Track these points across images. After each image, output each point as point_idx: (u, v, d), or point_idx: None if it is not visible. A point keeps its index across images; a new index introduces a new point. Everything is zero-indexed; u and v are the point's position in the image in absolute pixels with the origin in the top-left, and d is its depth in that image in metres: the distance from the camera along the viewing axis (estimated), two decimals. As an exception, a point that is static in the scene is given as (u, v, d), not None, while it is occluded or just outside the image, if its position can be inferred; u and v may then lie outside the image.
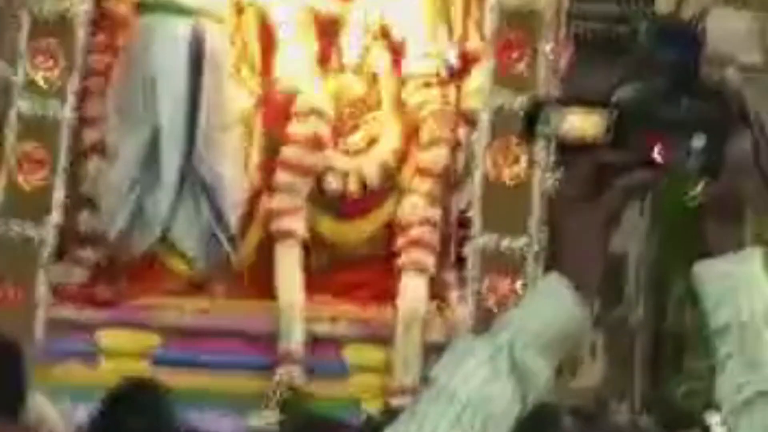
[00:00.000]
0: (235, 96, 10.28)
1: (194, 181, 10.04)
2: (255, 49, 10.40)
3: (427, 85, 10.26)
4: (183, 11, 10.07)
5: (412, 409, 2.22)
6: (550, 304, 2.23)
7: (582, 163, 2.18)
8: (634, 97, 2.23)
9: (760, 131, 2.23)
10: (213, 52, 10.08)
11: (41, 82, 9.69)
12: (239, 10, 10.37)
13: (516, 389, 2.25)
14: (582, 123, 2.21)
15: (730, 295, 2.29)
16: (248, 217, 10.25)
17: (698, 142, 2.21)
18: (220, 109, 10.18)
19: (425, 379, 2.26)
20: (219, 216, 10.10)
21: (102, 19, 10.14)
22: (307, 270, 10.08)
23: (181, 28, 10.06)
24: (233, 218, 10.14)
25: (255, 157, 10.33)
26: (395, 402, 8.57)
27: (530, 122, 2.18)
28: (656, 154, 2.20)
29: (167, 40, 10.04)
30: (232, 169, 10.24)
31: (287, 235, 10.15)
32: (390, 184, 10.26)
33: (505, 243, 9.55)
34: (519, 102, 9.27)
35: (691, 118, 2.22)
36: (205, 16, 10.11)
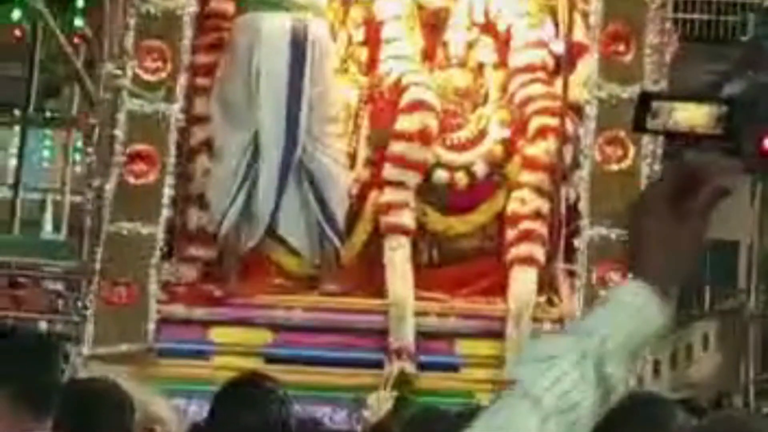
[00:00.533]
0: (341, 90, 10.34)
1: (300, 174, 10.09)
2: (361, 44, 10.45)
3: (534, 77, 10.27)
4: (284, 6, 10.10)
5: (496, 409, 2.23)
6: (636, 315, 2.25)
7: (682, 161, 2.21)
8: (743, 90, 2.25)
9: None
10: (314, 45, 10.09)
11: (150, 82, 9.80)
12: (345, 6, 10.42)
13: (601, 397, 2.27)
14: (692, 116, 2.23)
15: None
16: (357, 212, 10.29)
17: None
18: (324, 102, 10.23)
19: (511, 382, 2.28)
20: (326, 210, 10.13)
21: (207, 18, 10.22)
22: (416, 265, 10.10)
23: (283, 23, 10.07)
24: (340, 212, 10.18)
25: (363, 152, 10.37)
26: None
27: (641, 115, 2.21)
28: (767, 146, 2.22)
29: (269, 36, 10.07)
30: (338, 163, 10.28)
31: (396, 229, 10.17)
32: (498, 178, 10.28)
33: (615, 234, 9.58)
34: (627, 93, 9.28)
35: None
36: (307, 10, 10.12)
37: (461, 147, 10.35)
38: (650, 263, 2.32)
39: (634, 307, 2.25)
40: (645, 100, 2.23)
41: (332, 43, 10.29)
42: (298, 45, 10.03)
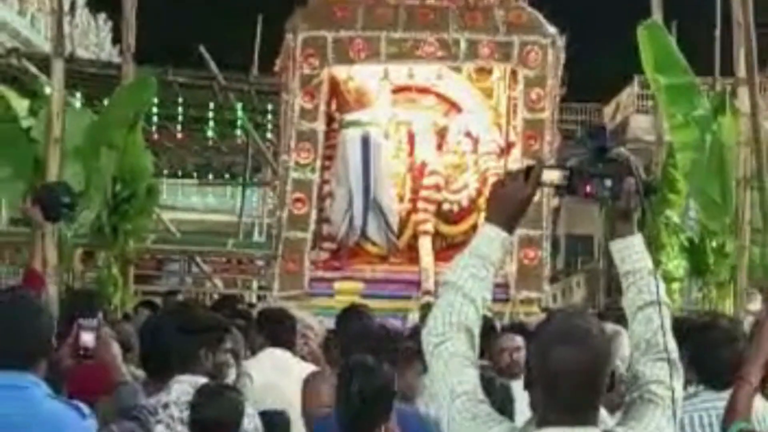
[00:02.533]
0: (395, 165, 10.25)
1: (375, 207, 10.02)
2: (405, 143, 10.38)
3: (490, 157, 10.20)
4: (358, 125, 10.02)
5: (448, 300, 2.24)
6: (498, 240, 2.29)
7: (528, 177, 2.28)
8: (578, 162, 2.28)
9: (638, 177, 2.27)
10: (374, 143, 10.00)
11: (303, 164, 9.81)
12: (398, 125, 10.39)
13: (490, 283, 2.26)
14: (552, 175, 2.28)
15: (627, 257, 2.31)
16: (404, 224, 10.22)
17: (608, 183, 2.26)
18: (383, 169, 10.08)
19: (442, 281, 2.30)
20: (388, 223, 10.09)
21: (329, 132, 10.15)
22: (435, 250, 10.05)
23: (357, 133, 10.00)
24: (395, 224, 10.13)
25: (407, 195, 10.30)
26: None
27: (527, 173, 2.27)
28: (588, 190, 2.26)
29: (351, 140, 9.99)
30: (393, 200, 10.19)
31: (425, 233, 10.13)
32: (474, 206, 10.19)
33: (531, 232, 9.54)
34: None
35: (604, 172, 2.27)
36: (370, 125, 10.04)
37: (455, 192, 10.25)
38: (498, 212, 2.30)
39: (498, 240, 2.28)
40: (528, 167, 2.28)
41: (385, 140, 10.15)
42: (366, 143, 9.97)
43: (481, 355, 2.42)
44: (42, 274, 4.63)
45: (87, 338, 3.25)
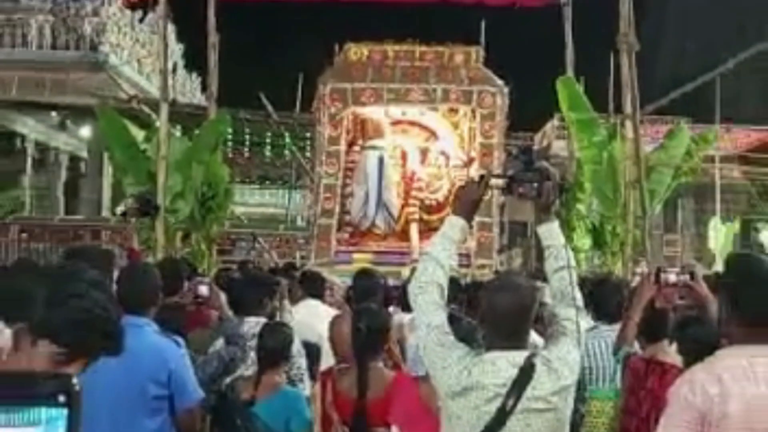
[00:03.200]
0: (395, 176, 10.25)
1: (383, 202, 10.02)
2: (399, 159, 10.38)
3: (457, 168, 10.20)
4: (374, 148, 10.04)
5: (423, 268, 2.21)
6: (459, 226, 2.24)
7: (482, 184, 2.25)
8: (514, 172, 2.27)
9: (555, 182, 2.26)
10: (385, 161, 10.01)
11: (330, 173, 9.80)
12: (395, 148, 10.37)
13: (455, 254, 2.22)
14: (497, 181, 2.27)
15: (548, 236, 2.28)
16: (400, 215, 10.21)
17: (534, 186, 2.25)
18: (388, 178, 10.07)
19: (422, 253, 2.26)
20: (391, 215, 10.10)
21: (350, 147, 10.15)
22: (420, 232, 10.01)
23: (375, 153, 10.01)
24: (395, 213, 10.11)
25: (402, 194, 10.28)
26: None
27: (481, 180, 2.26)
28: (521, 191, 2.26)
29: (370, 158, 10.00)
30: (393, 197, 10.17)
31: (413, 220, 10.11)
32: (446, 202, 10.10)
33: (485, 219, 9.52)
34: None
35: (532, 178, 2.26)
36: (382, 149, 10.07)
37: (434, 192, 10.25)
38: (460, 208, 2.25)
39: (459, 227, 2.23)
40: (482, 177, 2.27)
41: (391, 159, 10.14)
42: (381, 161, 9.99)
43: (451, 301, 2.41)
44: (138, 251, 4.81)
45: (203, 289, 3.43)
